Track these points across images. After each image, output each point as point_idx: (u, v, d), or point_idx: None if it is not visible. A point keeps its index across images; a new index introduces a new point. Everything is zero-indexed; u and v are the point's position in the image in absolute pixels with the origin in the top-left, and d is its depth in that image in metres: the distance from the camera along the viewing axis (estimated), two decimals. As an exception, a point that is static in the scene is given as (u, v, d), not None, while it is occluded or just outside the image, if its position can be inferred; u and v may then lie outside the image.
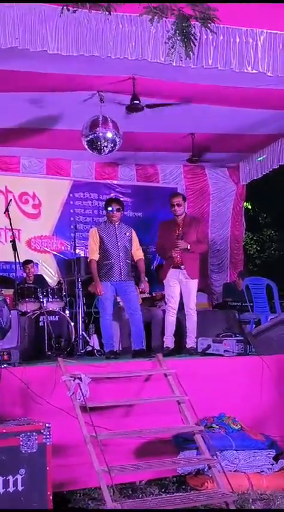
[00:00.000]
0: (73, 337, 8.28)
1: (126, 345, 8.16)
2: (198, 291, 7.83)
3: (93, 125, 7.68)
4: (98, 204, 10.64)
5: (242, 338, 7.10)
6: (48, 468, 4.82)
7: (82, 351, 8.15)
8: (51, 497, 4.78)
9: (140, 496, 5.49)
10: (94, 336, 8.61)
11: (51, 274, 10.33)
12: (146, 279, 7.63)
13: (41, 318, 8.10)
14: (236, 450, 5.76)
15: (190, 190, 11.10)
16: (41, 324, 8.07)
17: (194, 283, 7.61)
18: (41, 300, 8.37)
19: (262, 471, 5.76)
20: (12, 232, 7.67)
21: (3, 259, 9.74)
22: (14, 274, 8.10)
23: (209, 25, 5.60)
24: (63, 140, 9.31)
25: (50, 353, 7.79)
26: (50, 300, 8.48)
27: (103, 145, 7.75)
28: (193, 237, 7.64)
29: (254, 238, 17.95)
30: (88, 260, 7.54)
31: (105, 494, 4.82)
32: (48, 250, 10.43)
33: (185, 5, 5.52)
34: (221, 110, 8.24)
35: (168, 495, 5.40)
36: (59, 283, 9.23)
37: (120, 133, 7.79)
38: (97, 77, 7.18)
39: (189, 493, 5.41)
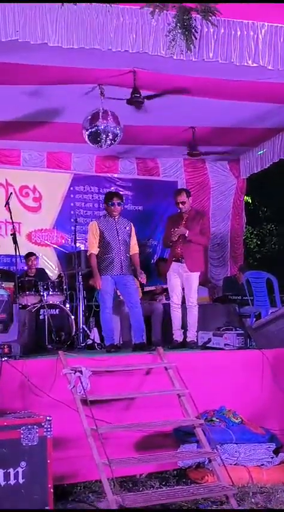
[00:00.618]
0: (74, 330, 8.30)
1: (126, 338, 8.17)
2: (199, 284, 7.81)
3: (93, 118, 7.67)
4: (98, 197, 10.63)
5: (242, 332, 7.10)
6: (48, 461, 4.82)
7: (82, 344, 8.17)
8: (51, 490, 4.79)
9: (140, 489, 5.50)
10: (95, 330, 8.61)
11: (51, 267, 10.32)
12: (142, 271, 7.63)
13: (42, 312, 8.11)
14: (236, 443, 5.76)
15: (191, 184, 11.08)
16: (41, 317, 8.08)
17: (195, 277, 7.60)
18: (42, 293, 8.37)
19: (262, 464, 5.77)
20: (13, 226, 7.67)
21: (3, 253, 9.74)
22: (14, 267, 8.10)
23: (210, 18, 5.58)
24: (64, 133, 9.29)
25: (50, 346, 7.80)
26: (50, 293, 8.48)
27: (103, 138, 7.75)
28: (196, 229, 7.65)
29: (255, 232, 17.95)
30: (88, 254, 7.53)
31: (106, 487, 4.83)
32: (48, 243, 10.42)
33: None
34: (222, 103, 8.23)
35: (168, 488, 5.41)
36: (59, 276, 9.23)
37: (121, 126, 7.78)
38: (98, 70, 7.17)
39: (189, 486, 5.42)
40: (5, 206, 7.73)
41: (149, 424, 5.66)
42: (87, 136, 7.84)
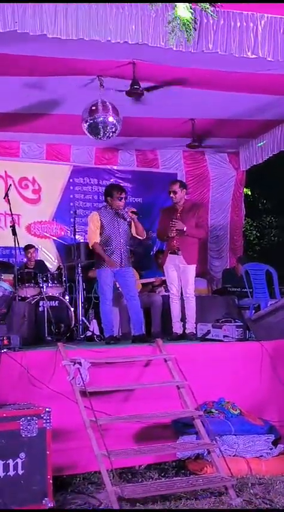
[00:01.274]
0: (73, 322, 8.30)
1: (125, 330, 8.19)
2: (197, 276, 7.81)
3: (93, 109, 7.65)
4: (98, 189, 10.63)
5: (241, 323, 7.11)
6: (48, 452, 4.83)
7: (82, 336, 8.18)
8: (51, 481, 4.80)
9: (140, 480, 5.51)
10: (94, 321, 8.62)
11: (51, 259, 10.32)
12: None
13: (41, 303, 8.11)
14: (235, 435, 5.77)
15: (190, 176, 11.08)
16: (40, 309, 8.08)
17: (191, 269, 7.58)
18: (41, 285, 8.37)
19: (261, 456, 5.78)
20: (12, 218, 7.68)
21: (3, 245, 9.75)
22: (14, 259, 8.10)
23: (209, 9, 5.56)
24: (63, 125, 9.27)
25: (49, 338, 7.81)
26: (49, 285, 8.48)
27: (103, 130, 7.73)
28: (192, 222, 7.62)
29: (254, 224, 17.92)
30: (91, 245, 7.45)
31: (105, 478, 4.85)
32: (47, 235, 10.40)
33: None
34: (221, 95, 8.19)
35: (167, 479, 5.41)
36: (58, 268, 9.23)
37: (120, 118, 7.76)
38: (97, 62, 7.14)
39: (188, 477, 5.44)
40: (4, 198, 7.73)
41: (148, 416, 5.67)
42: (86, 128, 7.82)
